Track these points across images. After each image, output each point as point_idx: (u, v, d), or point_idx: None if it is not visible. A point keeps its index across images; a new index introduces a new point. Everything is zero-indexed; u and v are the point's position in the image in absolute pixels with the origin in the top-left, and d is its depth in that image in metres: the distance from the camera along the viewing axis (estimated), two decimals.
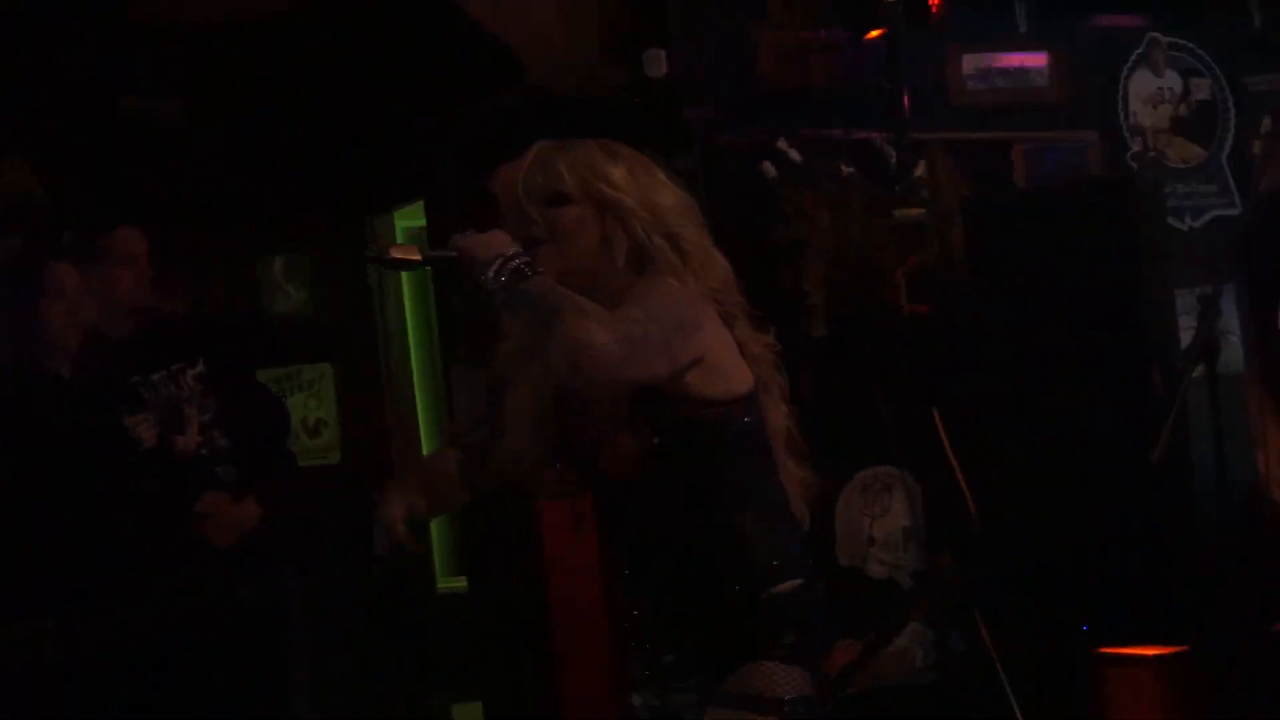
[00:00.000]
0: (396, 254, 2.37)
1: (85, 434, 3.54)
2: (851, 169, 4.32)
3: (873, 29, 4.14)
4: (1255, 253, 3.45)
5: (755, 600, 2.25)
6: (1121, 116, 5.00)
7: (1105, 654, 3.94)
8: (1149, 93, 5.04)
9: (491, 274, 2.20)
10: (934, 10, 4.11)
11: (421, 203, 6.02)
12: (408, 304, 6.71)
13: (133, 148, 5.83)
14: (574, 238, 2.31)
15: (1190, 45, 5.09)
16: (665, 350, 2.16)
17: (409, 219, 6.67)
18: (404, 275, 6.73)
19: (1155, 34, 5.04)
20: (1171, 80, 5.07)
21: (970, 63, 4.79)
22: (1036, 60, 4.88)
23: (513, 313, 2.26)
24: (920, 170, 4.31)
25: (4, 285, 3.63)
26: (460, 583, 6.54)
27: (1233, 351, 4.65)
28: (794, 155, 4.33)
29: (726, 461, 2.28)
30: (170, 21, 5.79)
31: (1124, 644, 3.93)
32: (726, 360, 2.28)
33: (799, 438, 2.40)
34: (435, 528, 6.84)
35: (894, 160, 4.29)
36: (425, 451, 6.76)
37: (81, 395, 3.61)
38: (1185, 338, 4.03)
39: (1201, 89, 5.12)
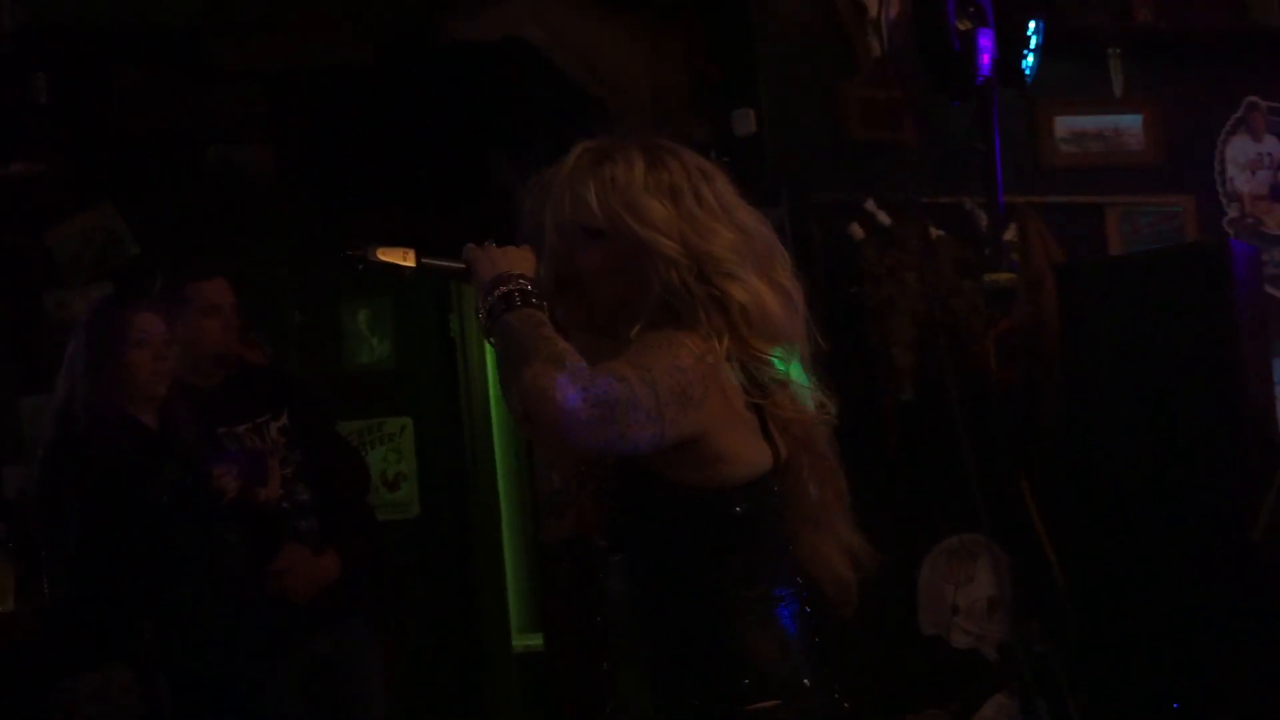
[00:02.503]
0: (384, 256, 2.12)
1: (169, 484, 3.57)
2: (941, 231, 4.31)
3: (965, 90, 4.13)
4: None
5: (732, 713, 2.00)
6: (1218, 181, 4.96)
7: None
8: (1247, 158, 5.00)
9: (482, 296, 2.02)
10: (1027, 73, 4.09)
11: None
12: (489, 357, 6.75)
13: (220, 195, 5.93)
14: (600, 280, 2.08)
15: None
16: (654, 421, 1.90)
17: None
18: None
19: (1254, 98, 5.00)
20: (1270, 146, 5.02)
21: (1062, 125, 4.77)
22: (1131, 122, 4.85)
23: (492, 344, 2.02)
24: (1011, 234, 4.29)
25: (94, 332, 3.67)
26: (537, 640, 6.54)
27: None
28: (882, 217, 4.33)
29: (703, 554, 2.05)
30: (257, 67, 5.89)
31: None
32: (730, 444, 2.03)
33: (847, 509, 2.17)
34: (511, 581, 6.86)
35: (984, 223, 4.27)
36: (503, 510, 6.79)
37: (167, 445, 3.66)
38: None
39: None
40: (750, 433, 2.06)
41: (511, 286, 2.00)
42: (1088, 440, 4.12)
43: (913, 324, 4.17)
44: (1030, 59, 4.10)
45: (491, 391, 6.30)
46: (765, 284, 2.06)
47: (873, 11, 4.44)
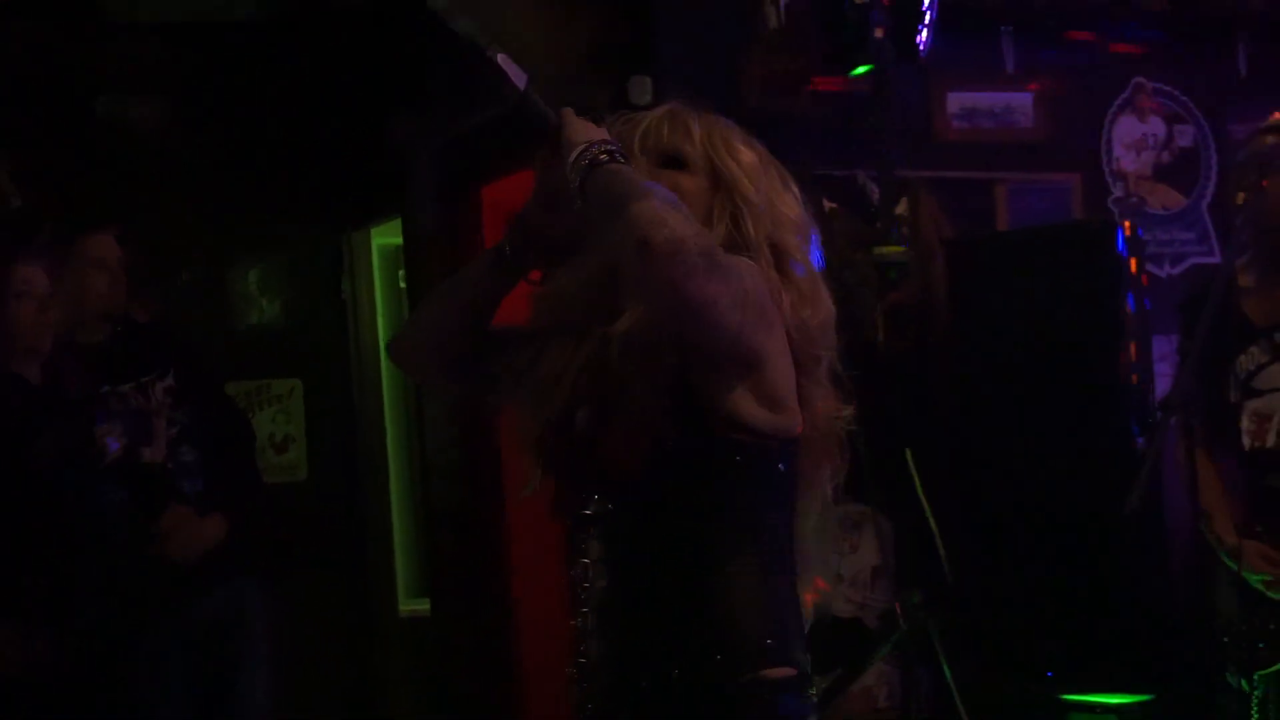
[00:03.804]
0: (503, 64, 2.07)
1: (52, 441, 3.53)
2: (833, 205, 4.34)
3: (860, 63, 4.16)
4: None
5: (736, 679, 1.94)
6: (1105, 160, 5.04)
7: (1069, 700, 3.96)
8: (1133, 138, 5.08)
9: (581, 149, 1.95)
10: (920, 47, 4.13)
11: (399, 220, 6.03)
12: (380, 319, 6.71)
13: (110, 148, 5.82)
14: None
15: (1175, 92, 5.14)
16: (737, 309, 1.85)
17: (386, 236, 6.68)
18: (378, 289, 6.74)
19: (1141, 79, 5.09)
20: (1155, 126, 5.11)
21: (955, 101, 4.82)
22: (1021, 99, 4.91)
23: (588, 198, 1.94)
24: (902, 208, 4.33)
25: None
26: (424, 604, 6.53)
27: None
28: None
29: (745, 504, 1.98)
30: (150, 18, 5.79)
31: (1089, 691, 3.95)
32: (784, 387, 1.97)
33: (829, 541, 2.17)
34: (399, 546, 6.84)
35: (876, 197, 4.31)
36: (392, 474, 6.77)
37: (50, 402, 3.60)
38: (1163, 386, 4.05)
39: (1185, 135, 5.17)
40: (795, 389, 2.00)
41: (612, 146, 1.96)
42: (972, 413, 4.18)
43: None
44: (924, 33, 4.13)
45: (382, 355, 6.27)
46: (816, 274, 2.07)
47: None
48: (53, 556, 3.51)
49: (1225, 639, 3.47)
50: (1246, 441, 3.53)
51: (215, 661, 3.92)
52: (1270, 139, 3.48)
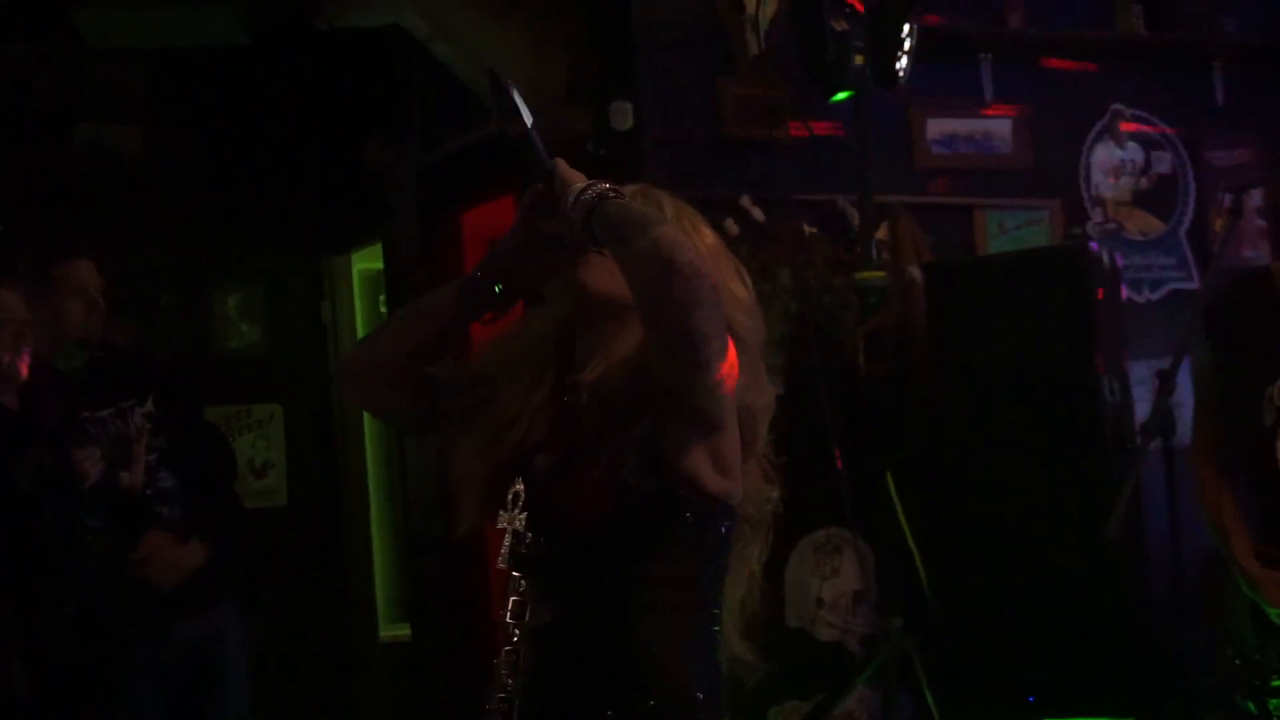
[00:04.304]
0: (517, 98, 2.08)
1: (30, 467, 3.51)
2: (813, 229, 4.35)
3: (839, 89, 4.17)
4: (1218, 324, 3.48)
5: None
6: (1083, 186, 5.06)
7: None
8: (1111, 164, 5.11)
9: (580, 191, 2.01)
10: (899, 75, 4.14)
11: (380, 245, 6.03)
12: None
13: (89, 175, 5.81)
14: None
15: (1153, 119, 5.17)
16: (722, 352, 1.96)
17: (366, 261, 6.68)
18: (358, 314, 6.73)
19: (1119, 105, 5.11)
20: (1133, 153, 5.13)
21: (934, 127, 4.84)
22: (1000, 126, 4.93)
23: (592, 229, 2.00)
24: (882, 232, 4.34)
25: None
26: (404, 630, 6.51)
27: (1186, 426, 4.71)
28: (756, 213, 4.37)
29: (689, 560, 2.07)
30: (130, 45, 5.79)
31: (1070, 714, 3.95)
32: (733, 456, 2.07)
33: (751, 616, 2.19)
34: (379, 571, 6.82)
35: (856, 221, 4.32)
36: (372, 500, 6.75)
37: (28, 428, 3.58)
38: (1141, 409, 4.06)
39: (1163, 162, 5.19)
40: (739, 460, 2.09)
41: (610, 186, 2.03)
42: (952, 437, 4.18)
43: (785, 320, 4.21)
44: (903, 61, 4.14)
45: None
46: (760, 362, 2.14)
47: (750, 9, 4.48)
48: (29, 582, 3.49)
49: (1237, 661, 3.40)
50: None
51: (193, 687, 3.89)
52: None
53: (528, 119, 2.09)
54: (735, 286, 2.14)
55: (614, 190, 2.02)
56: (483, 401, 2.19)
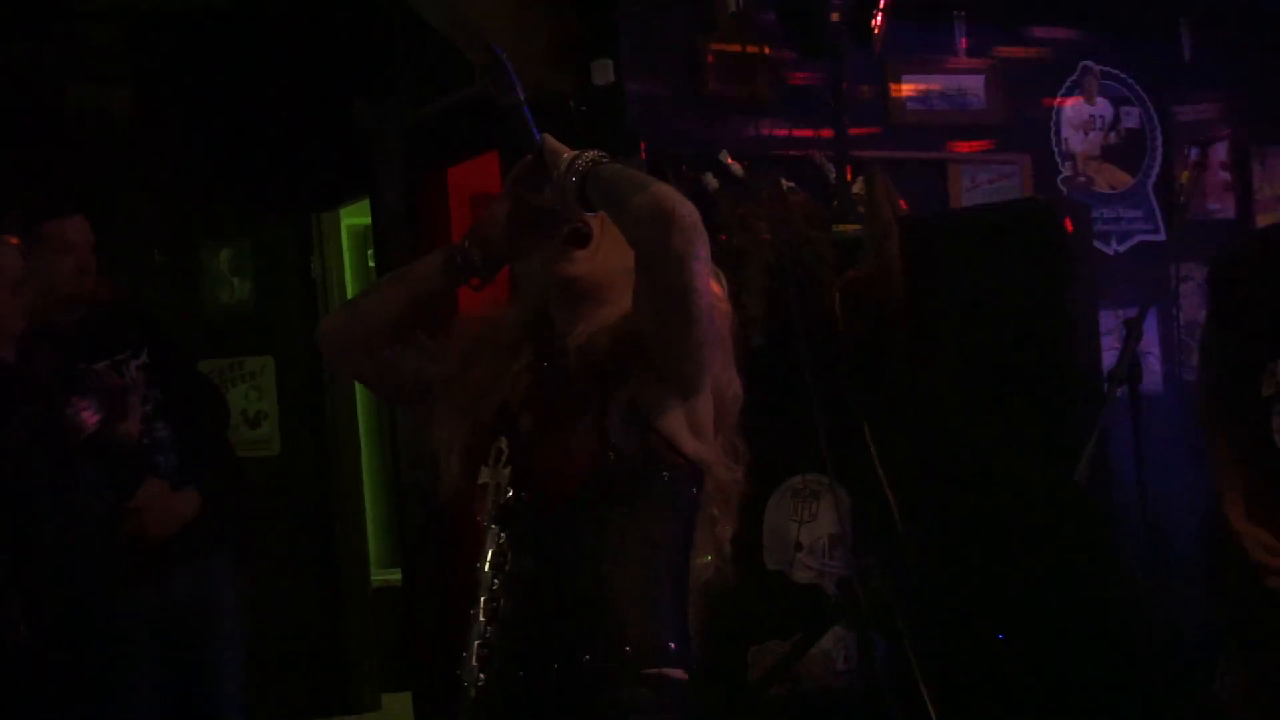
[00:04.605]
0: (511, 65, 2.12)
1: (27, 419, 3.50)
2: (791, 184, 4.34)
3: (817, 47, 4.16)
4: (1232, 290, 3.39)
5: (641, 667, 2.05)
6: (1054, 141, 5.06)
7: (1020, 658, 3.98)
8: (1081, 120, 5.11)
9: (573, 159, 2.05)
10: (875, 33, 4.13)
11: (367, 201, 6.01)
12: (350, 296, 6.69)
13: (79, 135, 5.78)
14: (621, 247, 2.11)
15: (1122, 74, 5.17)
16: (709, 313, 2.03)
17: (354, 217, 6.66)
18: (347, 269, 6.72)
19: (1088, 62, 5.11)
20: (1103, 108, 5.13)
21: (909, 84, 4.83)
22: (973, 82, 4.92)
23: (590, 192, 2.04)
24: (858, 187, 4.34)
25: None
26: (395, 575, 6.53)
27: (1152, 374, 4.74)
28: (736, 168, 4.35)
29: (664, 518, 2.12)
30: (118, 6, 5.74)
31: (1041, 649, 3.97)
32: (707, 422, 2.13)
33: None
34: (370, 518, 6.83)
35: (833, 176, 4.31)
36: (363, 448, 6.75)
37: (25, 381, 3.57)
38: (1109, 357, 4.08)
39: (1131, 117, 5.19)
40: (712, 429, 2.15)
41: (600, 153, 2.07)
42: (927, 386, 4.19)
43: (764, 272, 4.20)
44: (879, 18, 4.13)
45: None
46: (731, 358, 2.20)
47: None
48: (27, 532, 3.48)
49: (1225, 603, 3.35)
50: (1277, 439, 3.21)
51: (188, 633, 3.91)
52: None
53: (520, 94, 2.11)
54: (718, 287, 2.16)
55: (605, 157, 2.06)
56: (462, 370, 2.23)
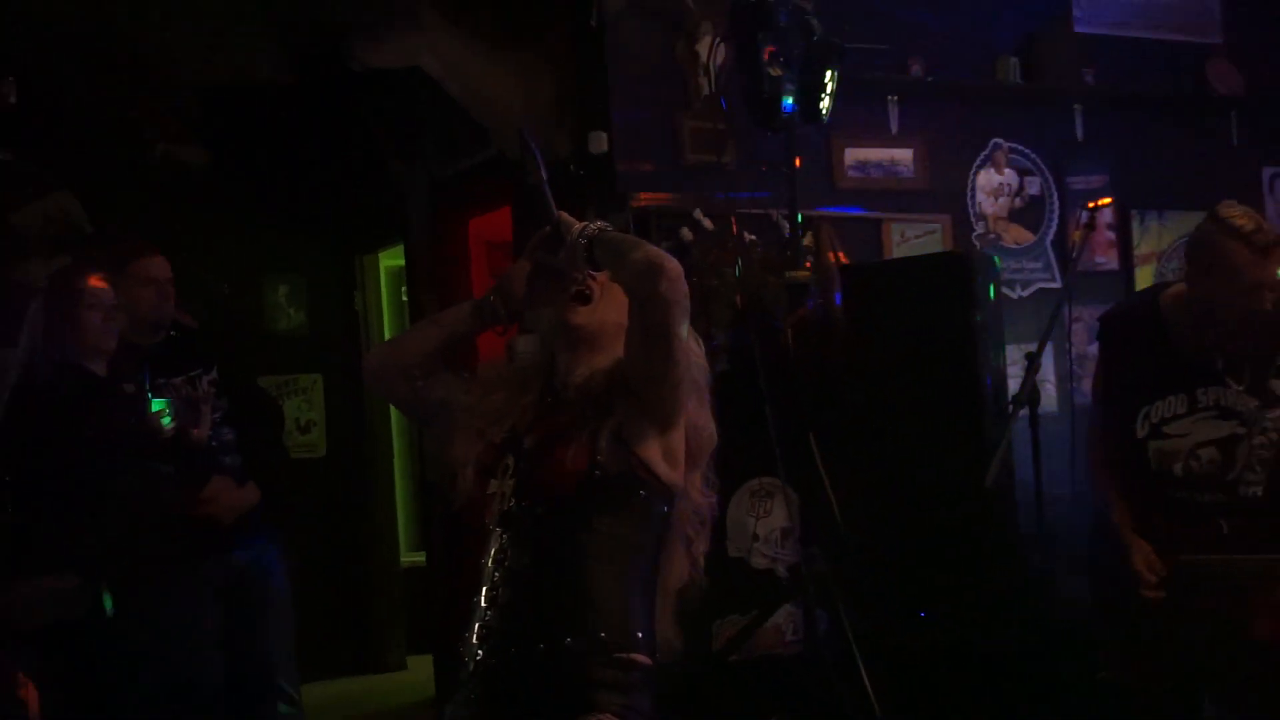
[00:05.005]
0: (538, 149, 2.15)
1: (116, 424, 3.48)
2: (753, 236, 4.35)
3: (774, 123, 4.17)
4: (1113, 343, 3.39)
5: (613, 651, 2.05)
6: (969, 203, 5.08)
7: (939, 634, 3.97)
8: (992, 186, 5.13)
9: (583, 229, 2.11)
10: (823, 112, 4.14)
11: (402, 245, 6.00)
12: (386, 326, 6.68)
13: (165, 186, 5.77)
14: (617, 306, 2.17)
15: (1026, 150, 5.19)
16: (687, 359, 2.09)
17: (391, 259, 6.65)
18: (384, 302, 6.71)
19: (998, 139, 5.13)
20: (1010, 178, 5.15)
21: (850, 155, 4.85)
22: (904, 155, 4.94)
23: (596, 253, 2.10)
24: (808, 239, 4.35)
25: (53, 296, 3.56)
26: (420, 557, 6.50)
27: (1048, 398, 4.76)
28: (706, 222, 4.36)
29: (639, 527, 2.12)
30: (197, 81, 5.74)
31: (954, 626, 3.96)
32: (679, 453, 2.15)
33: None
34: (400, 509, 6.80)
35: (787, 230, 4.32)
36: (395, 451, 6.72)
37: (114, 391, 3.56)
38: (1013, 384, 4.09)
39: (1033, 185, 5.21)
40: (683, 460, 2.17)
41: (604, 224, 2.14)
42: (863, 405, 4.19)
43: (729, 310, 4.21)
44: (826, 101, 4.14)
45: None
46: (708, 410, 2.22)
47: (704, 57, 4.47)
48: (114, 519, 3.47)
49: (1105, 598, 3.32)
50: (1153, 465, 3.22)
51: (245, 604, 3.88)
52: (1210, 226, 3.13)
53: (544, 174, 2.14)
54: (693, 344, 2.20)
55: (609, 226, 2.13)
56: (480, 401, 2.26)
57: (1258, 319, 3.11)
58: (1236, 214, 3.11)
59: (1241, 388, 3.17)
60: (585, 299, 2.20)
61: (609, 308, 2.20)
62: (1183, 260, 3.34)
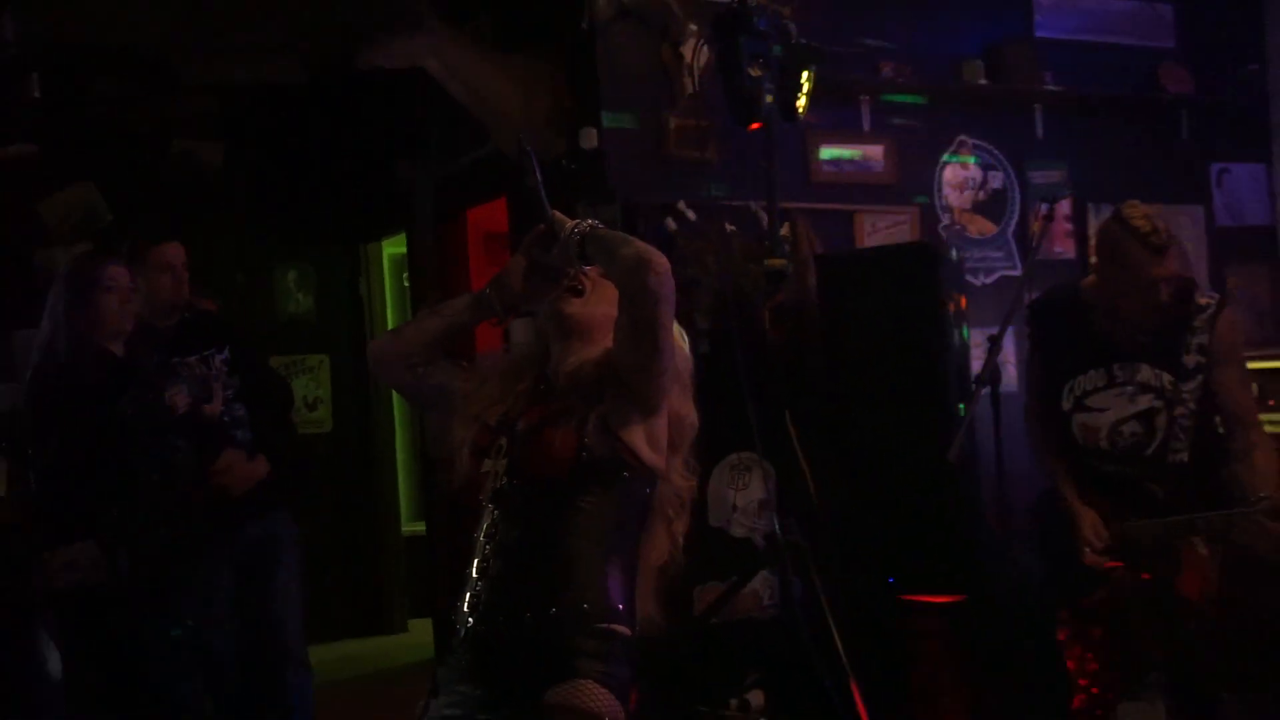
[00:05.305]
0: (536, 155, 2.14)
1: (133, 400, 3.46)
2: (733, 227, 4.33)
3: (754, 121, 4.14)
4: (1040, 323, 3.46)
5: (594, 622, 2.04)
6: (936, 197, 5.07)
7: (905, 600, 3.98)
8: (957, 180, 5.11)
9: (576, 226, 2.11)
10: (799, 111, 4.12)
11: (404, 235, 5.97)
12: (389, 310, 6.66)
13: (179, 179, 5.74)
14: (607, 300, 2.16)
15: (989, 146, 5.17)
16: (672, 348, 2.08)
17: (394, 247, 6.63)
18: (387, 289, 6.68)
19: (963, 136, 5.12)
20: (974, 172, 5.14)
21: (825, 151, 4.83)
22: (875, 151, 4.92)
23: (588, 249, 2.10)
24: (785, 230, 4.33)
25: (74, 280, 3.54)
26: (420, 527, 6.49)
27: (1009, 377, 4.75)
28: (690, 215, 4.34)
29: (622, 507, 2.12)
30: (213, 81, 5.71)
31: (919, 592, 3.97)
32: (661, 440, 2.15)
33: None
34: (401, 481, 6.79)
35: (765, 222, 4.30)
36: (397, 427, 6.70)
37: (131, 370, 3.54)
38: (975, 365, 4.08)
39: (996, 179, 5.20)
40: (665, 446, 2.16)
41: (596, 222, 2.14)
42: (835, 384, 4.19)
43: (711, 296, 4.19)
44: (803, 101, 4.11)
45: None
46: (690, 398, 2.22)
47: (688, 59, 4.44)
48: (132, 491, 3.45)
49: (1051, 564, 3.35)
50: (1079, 439, 3.32)
51: (257, 571, 3.86)
52: (1113, 225, 3.22)
53: (540, 177, 2.14)
54: (678, 337, 2.19)
55: (600, 224, 2.12)
56: (478, 388, 2.26)
57: (1154, 309, 3.18)
58: (1137, 215, 3.17)
59: (1154, 365, 3.20)
60: (577, 292, 2.21)
61: (600, 301, 2.20)
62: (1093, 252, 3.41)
